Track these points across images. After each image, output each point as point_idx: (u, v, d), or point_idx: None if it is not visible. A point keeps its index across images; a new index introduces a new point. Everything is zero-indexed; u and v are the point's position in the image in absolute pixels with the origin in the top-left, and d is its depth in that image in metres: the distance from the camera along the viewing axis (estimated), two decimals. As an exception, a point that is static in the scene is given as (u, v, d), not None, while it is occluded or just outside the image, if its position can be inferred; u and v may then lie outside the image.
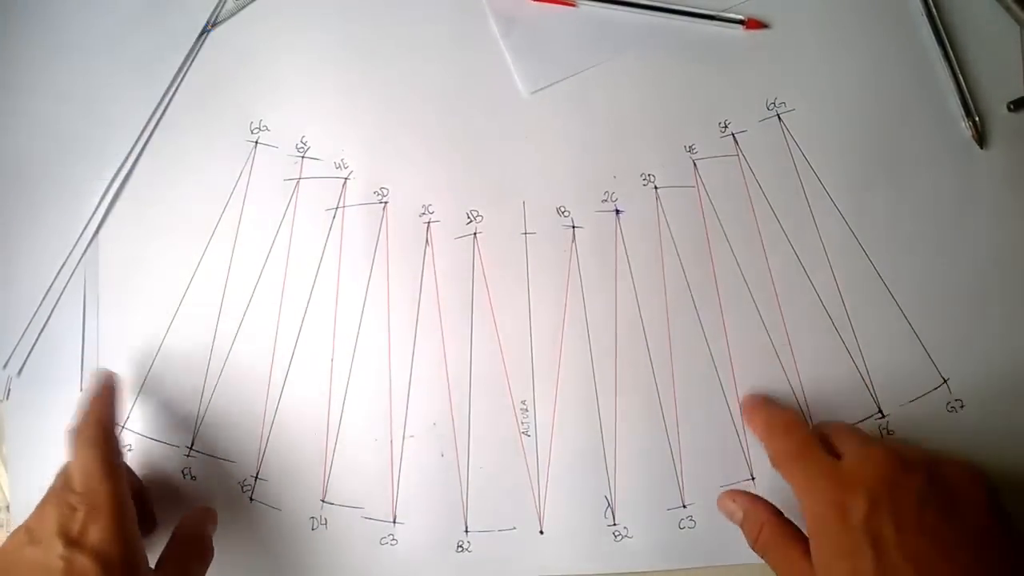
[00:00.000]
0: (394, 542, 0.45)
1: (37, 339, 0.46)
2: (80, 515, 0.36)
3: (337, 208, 0.47)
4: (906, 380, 0.46)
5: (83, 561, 0.35)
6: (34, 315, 0.46)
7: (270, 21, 0.48)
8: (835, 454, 0.39)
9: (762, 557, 0.41)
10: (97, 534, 0.36)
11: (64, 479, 0.38)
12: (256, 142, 0.47)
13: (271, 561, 0.45)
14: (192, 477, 0.46)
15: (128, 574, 0.36)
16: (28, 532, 0.37)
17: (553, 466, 0.45)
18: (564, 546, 0.45)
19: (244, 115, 0.47)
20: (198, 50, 0.48)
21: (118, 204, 0.47)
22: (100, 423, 0.40)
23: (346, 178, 0.47)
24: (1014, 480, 0.45)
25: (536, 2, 0.48)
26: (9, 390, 0.46)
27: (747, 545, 0.42)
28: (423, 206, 0.47)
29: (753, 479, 0.45)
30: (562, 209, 0.47)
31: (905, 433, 0.45)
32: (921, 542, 0.35)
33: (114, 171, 0.47)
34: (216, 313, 0.46)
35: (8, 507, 0.46)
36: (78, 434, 0.40)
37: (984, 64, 0.47)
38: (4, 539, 0.46)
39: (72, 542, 0.35)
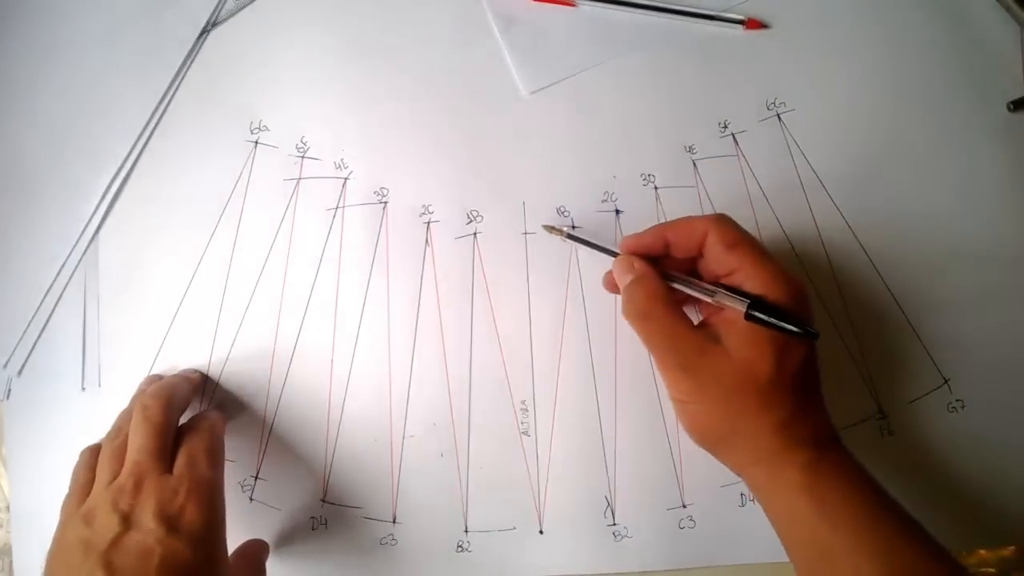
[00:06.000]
0: (394, 542, 0.45)
1: (37, 339, 0.46)
2: (180, 499, 0.37)
3: (337, 208, 0.47)
4: (906, 380, 0.46)
5: (178, 545, 0.36)
6: (34, 315, 0.46)
7: (270, 21, 0.48)
8: None
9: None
10: (194, 518, 0.37)
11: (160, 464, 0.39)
12: (256, 142, 0.47)
13: (271, 561, 0.45)
14: (192, 477, 0.46)
15: (215, 556, 0.38)
16: (118, 510, 0.37)
17: (553, 466, 0.45)
18: (564, 546, 0.45)
19: (244, 115, 0.47)
20: (198, 50, 0.48)
21: (118, 204, 0.47)
22: (209, 416, 0.42)
23: (346, 178, 0.47)
24: (1014, 480, 0.45)
25: (536, 2, 0.48)
26: (9, 390, 0.46)
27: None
28: (423, 206, 0.47)
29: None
30: (562, 209, 0.47)
31: (905, 433, 0.45)
32: None
33: (114, 171, 0.47)
34: (216, 313, 0.46)
35: (8, 507, 0.46)
36: (192, 423, 0.41)
37: (984, 64, 0.47)
38: (3, 539, 0.46)
39: (171, 527, 0.36)
